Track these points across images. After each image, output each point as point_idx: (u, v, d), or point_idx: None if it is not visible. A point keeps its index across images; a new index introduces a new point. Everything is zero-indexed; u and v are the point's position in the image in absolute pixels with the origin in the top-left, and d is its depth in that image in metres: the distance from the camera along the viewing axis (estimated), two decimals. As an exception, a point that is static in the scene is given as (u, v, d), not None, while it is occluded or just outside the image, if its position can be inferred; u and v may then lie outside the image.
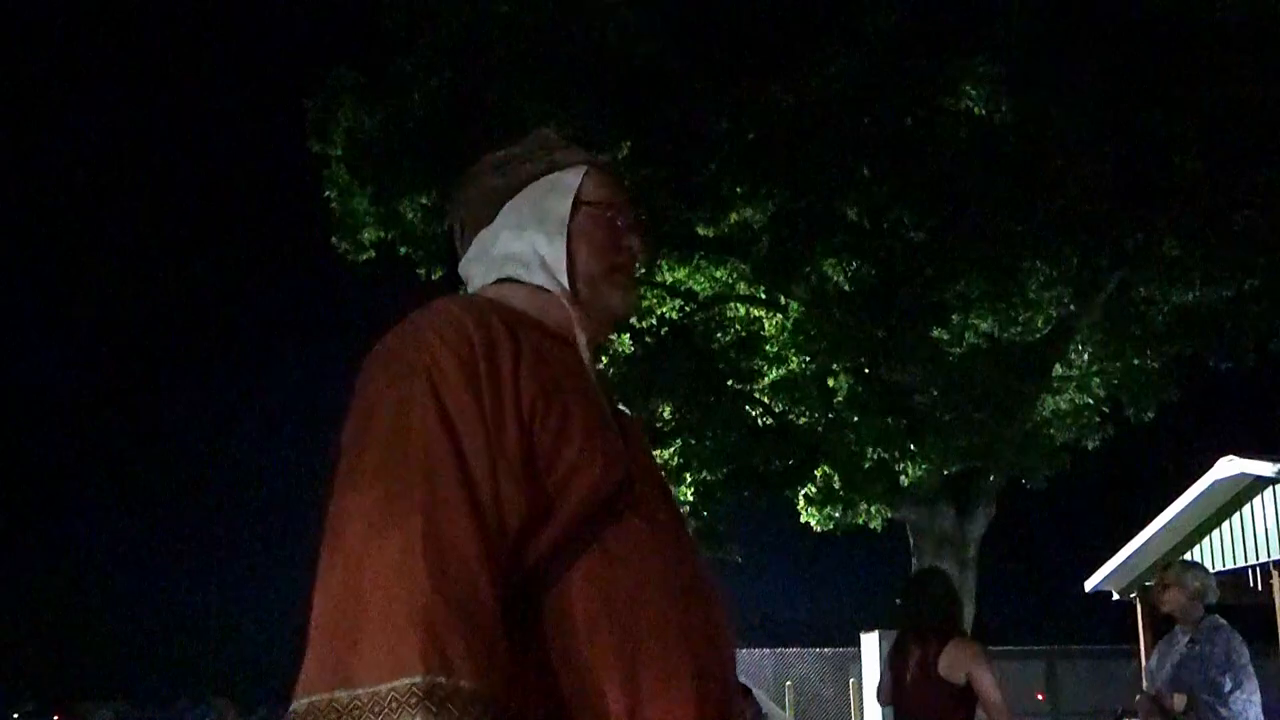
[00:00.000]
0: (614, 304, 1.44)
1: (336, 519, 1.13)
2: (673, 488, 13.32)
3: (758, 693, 7.69)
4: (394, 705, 1.02)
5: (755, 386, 12.57)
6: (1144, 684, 5.15)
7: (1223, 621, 4.90)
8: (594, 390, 1.33)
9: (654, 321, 12.44)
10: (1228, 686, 4.66)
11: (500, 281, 1.41)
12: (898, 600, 4.81)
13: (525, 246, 1.41)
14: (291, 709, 1.06)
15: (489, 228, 1.46)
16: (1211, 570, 6.05)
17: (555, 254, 1.40)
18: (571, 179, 1.46)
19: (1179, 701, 4.70)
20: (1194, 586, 4.88)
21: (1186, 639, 4.86)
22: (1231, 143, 9.36)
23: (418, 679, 1.02)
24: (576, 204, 1.44)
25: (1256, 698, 4.75)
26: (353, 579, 1.09)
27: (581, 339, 1.36)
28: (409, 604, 1.06)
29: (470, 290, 1.44)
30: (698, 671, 1.21)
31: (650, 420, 12.61)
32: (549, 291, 1.38)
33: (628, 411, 1.47)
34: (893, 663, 4.62)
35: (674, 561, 1.27)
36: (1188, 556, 15.29)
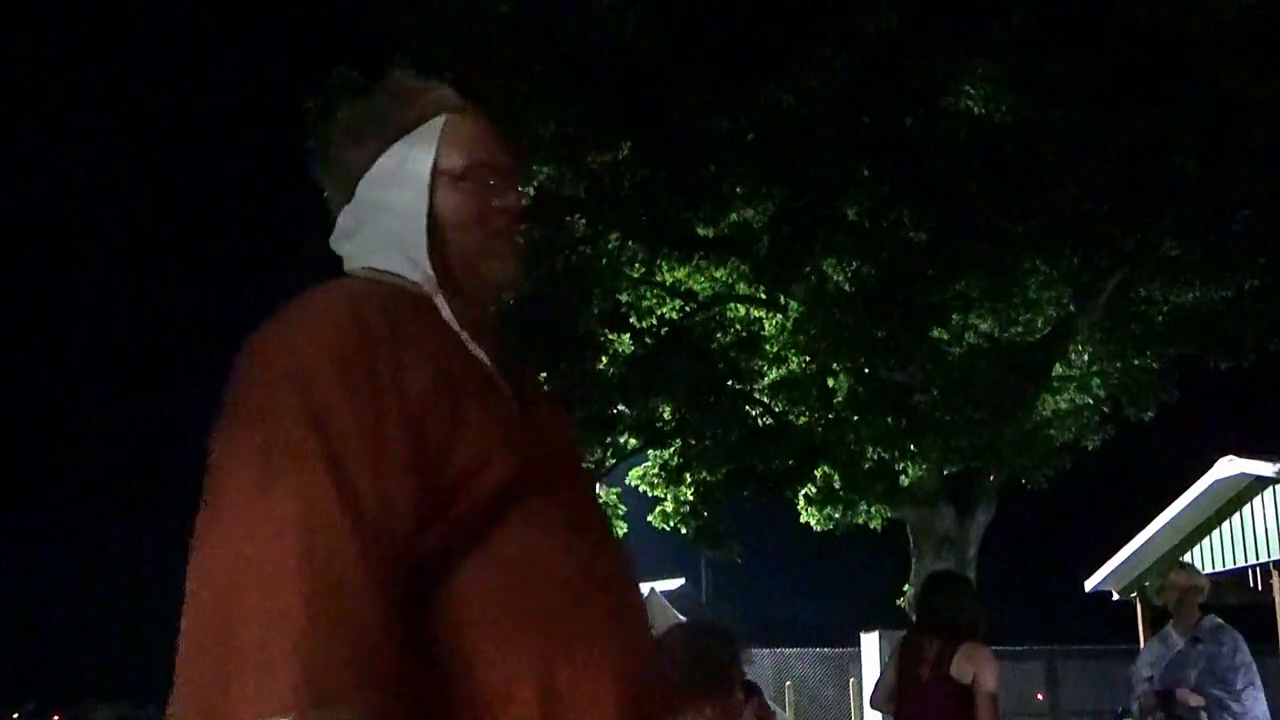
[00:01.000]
0: (495, 277, 1.32)
1: (205, 534, 1.06)
2: (673, 488, 13.40)
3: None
4: None
5: (755, 386, 12.57)
6: (1134, 679, 5.16)
7: (1221, 620, 4.92)
8: (486, 374, 1.24)
9: (654, 321, 12.44)
10: (1240, 684, 4.67)
11: (367, 268, 1.30)
12: (904, 601, 4.81)
13: (384, 232, 1.29)
14: None
15: (349, 206, 1.34)
16: (1211, 570, 6.09)
17: (415, 239, 1.27)
18: (427, 144, 1.30)
19: (1194, 699, 4.69)
20: (1193, 585, 4.89)
21: (1188, 637, 4.86)
22: (1231, 143, 9.36)
23: (289, 717, 0.96)
24: (435, 176, 1.29)
25: (1262, 695, 4.78)
26: (222, 602, 1.01)
27: (454, 325, 1.25)
28: (281, 630, 0.98)
29: (346, 268, 1.34)
30: (616, 653, 1.15)
31: (650, 420, 12.62)
32: (414, 280, 1.27)
33: (540, 383, 1.39)
34: (903, 661, 4.62)
35: (583, 543, 1.21)
36: (1187, 556, 15.31)
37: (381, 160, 1.31)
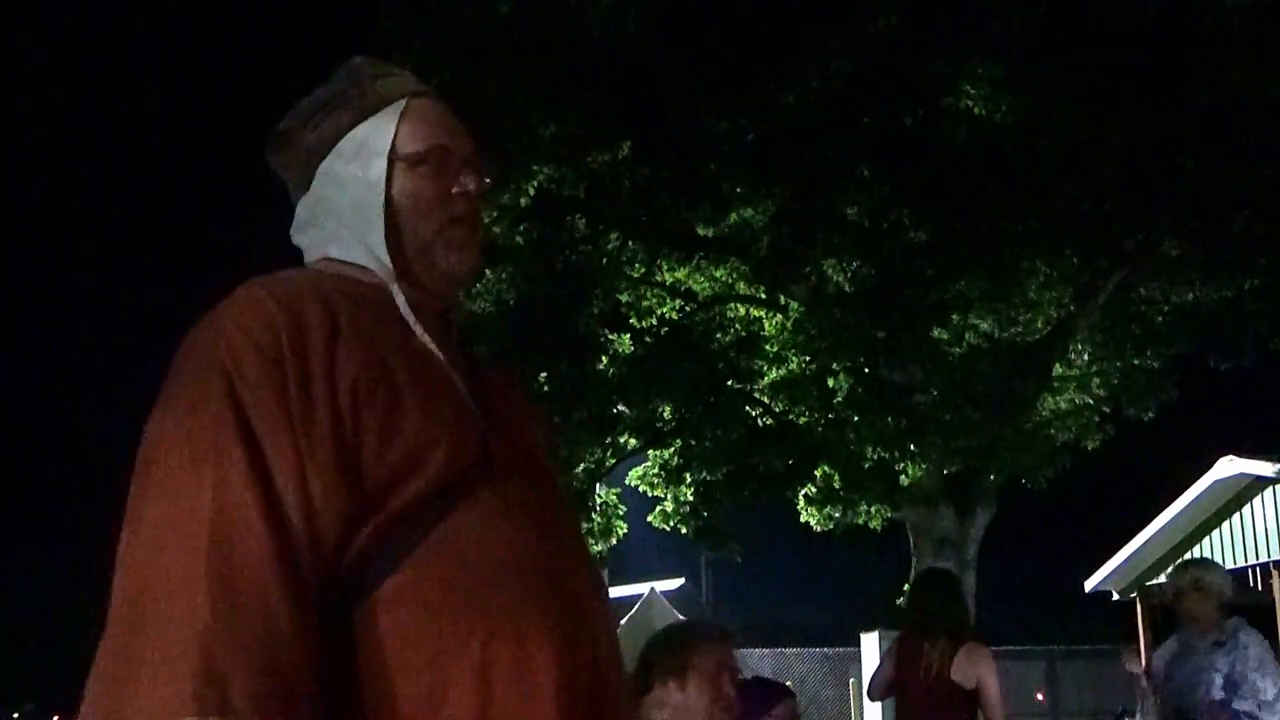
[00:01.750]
0: (451, 267, 1.28)
1: (128, 524, 1.04)
2: (673, 488, 13.36)
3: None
4: None
5: (755, 386, 12.57)
6: (1144, 681, 5.02)
7: (1245, 623, 4.64)
8: (434, 366, 1.21)
9: (654, 321, 12.44)
10: (1271, 693, 4.36)
11: (325, 259, 1.28)
12: (903, 600, 4.78)
13: (341, 221, 1.27)
14: None
15: (306, 195, 1.31)
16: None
17: (372, 227, 1.24)
18: (385, 128, 1.27)
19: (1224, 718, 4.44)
20: (1191, 586, 4.63)
21: (1209, 640, 4.57)
22: (1231, 143, 9.36)
23: None
24: (393, 161, 1.26)
25: None
26: (133, 596, 0.99)
27: (409, 316, 1.22)
28: (185, 633, 0.95)
29: (306, 260, 1.31)
30: (560, 650, 1.11)
31: (650, 420, 12.62)
32: (370, 270, 1.25)
33: (511, 371, 1.37)
34: (900, 662, 4.60)
35: (533, 538, 1.16)
36: (1188, 557, 15.30)
37: (339, 146, 1.28)
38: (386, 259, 1.24)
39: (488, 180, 1.33)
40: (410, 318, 1.23)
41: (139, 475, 1.07)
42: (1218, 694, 4.47)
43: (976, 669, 4.35)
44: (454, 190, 1.29)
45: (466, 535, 1.12)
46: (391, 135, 1.27)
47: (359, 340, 1.15)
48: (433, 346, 1.23)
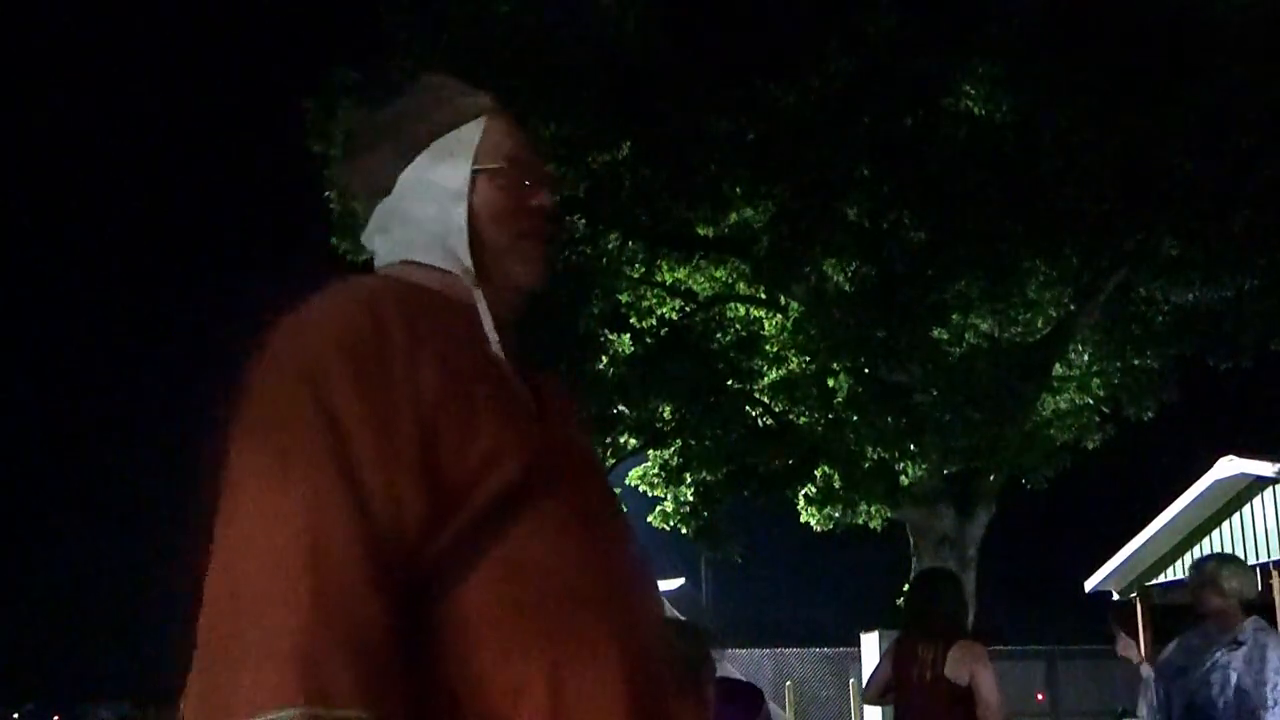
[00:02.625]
0: (519, 275, 1.34)
1: (220, 529, 1.07)
2: (673, 488, 13.36)
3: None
4: None
5: (755, 386, 12.57)
6: (1143, 669, 4.90)
7: (1264, 623, 4.51)
8: (505, 373, 1.25)
9: (654, 321, 12.44)
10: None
11: (404, 262, 1.32)
12: (902, 600, 4.75)
13: (423, 226, 1.31)
14: None
15: (387, 199, 1.35)
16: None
17: (456, 232, 1.30)
18: (467, 141, 1.34)
19: None
20: (1230, 584, 4.47)
21: (1227, 639, 4.44)
22: (1231, 142, 9.36)
23: (291, 711, 0.96)
24: (476, 174, 1.33)
25: None
26: (231, 597, 1.03)
27: (488, 322, 1.27)
28: (285, 626, 0.99)
29: (377, 264, 1.36)
30: (627, 657, 1.15)
31: (650, 420, 12.61)
32: (451, 273, 1.30)
33: (558, 380, 1.41)
34: (897, 663, 4.60)
35: (596, 542, 1.21)
36: (1188, 556, 15.30)
37: (420, 159, 1.33)
38: (470, 265, 1.29)
39: (558, 198, 1.39)
40: (489, 324, 1.27)
41: (230, 479, 1.09)
42: (1232, 695, 4.36)
43: (969, 665, 4.34)
44: (531, 204, 1.35)
45: (532, 543, 1.15)
46: (474, 149, 1.33)
47: (435, 346, 1.18)
48: (500, 352, 1.27)
